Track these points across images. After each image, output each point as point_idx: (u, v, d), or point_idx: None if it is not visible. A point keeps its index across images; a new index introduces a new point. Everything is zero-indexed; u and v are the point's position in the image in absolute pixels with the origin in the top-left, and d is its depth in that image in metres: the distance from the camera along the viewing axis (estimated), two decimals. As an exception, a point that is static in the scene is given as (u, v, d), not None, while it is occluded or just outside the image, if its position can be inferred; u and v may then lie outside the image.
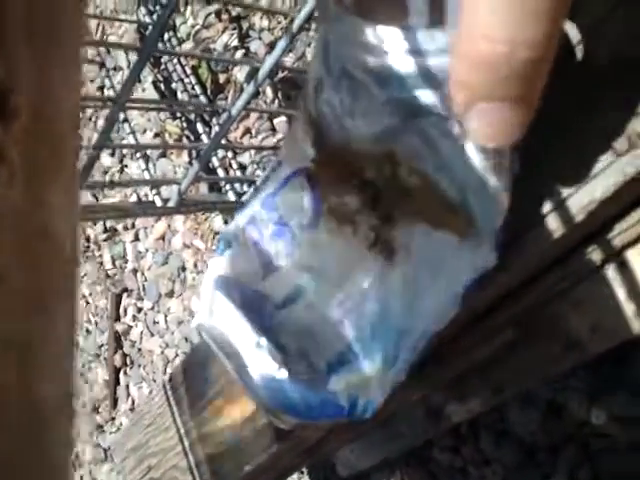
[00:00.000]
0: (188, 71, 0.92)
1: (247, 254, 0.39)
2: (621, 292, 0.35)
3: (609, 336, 0.38)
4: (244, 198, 0.73)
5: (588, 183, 0.29)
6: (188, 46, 0.92)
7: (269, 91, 0.75)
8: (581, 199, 0.29)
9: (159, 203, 0.58)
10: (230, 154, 0.83)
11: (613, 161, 0.28)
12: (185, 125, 0.94)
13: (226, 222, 0.81)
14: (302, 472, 0.78)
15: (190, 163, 0.93)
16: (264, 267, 0.38)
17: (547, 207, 0.30)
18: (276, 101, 0.74)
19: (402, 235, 0.33)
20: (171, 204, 0.58)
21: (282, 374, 0.33)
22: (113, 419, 1.12)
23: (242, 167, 0.80)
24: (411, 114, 0.30)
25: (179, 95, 0.90)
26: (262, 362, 0.34)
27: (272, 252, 0.38)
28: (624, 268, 0.35)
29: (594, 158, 0.29)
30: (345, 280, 0.35)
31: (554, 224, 0.30)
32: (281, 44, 0.47)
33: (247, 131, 0.80)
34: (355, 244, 0.34)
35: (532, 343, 0.42)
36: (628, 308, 0.35)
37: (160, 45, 0.93)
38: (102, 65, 1.08)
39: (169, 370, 0.98)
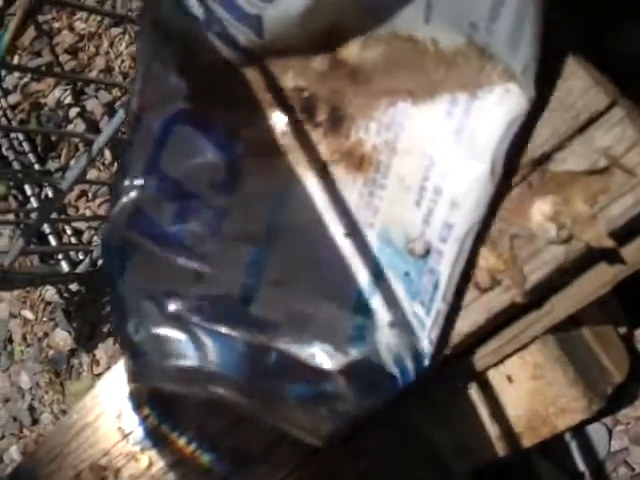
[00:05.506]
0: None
1: (151, 259, 0.31)
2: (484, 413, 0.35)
3: (474, 457, 0.37)
4: (80, 268, 0.67)
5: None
6: (15, 99, 0.84)
7: (108, 154, 0.70)
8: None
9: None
10: (64, 216, 0.77)
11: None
12: (12, 183, 0.85)
13: (59, 292, 0.74)
14: None
15: (17, 224, 0.84)
16: (184, 267, 0.30)
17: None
18: (115, 164, 0.70)
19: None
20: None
21: None
22: None
23: (77, 232, 0.74)
24: None
25: (4, 152, 0.82)
26: None
27: (187, 241, 0.30)
28: (486, 389, 0.34)
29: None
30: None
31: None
32: (117, 117, 0.44)
33: (83, 194, 0.74)
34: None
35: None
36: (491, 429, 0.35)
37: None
38: None
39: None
